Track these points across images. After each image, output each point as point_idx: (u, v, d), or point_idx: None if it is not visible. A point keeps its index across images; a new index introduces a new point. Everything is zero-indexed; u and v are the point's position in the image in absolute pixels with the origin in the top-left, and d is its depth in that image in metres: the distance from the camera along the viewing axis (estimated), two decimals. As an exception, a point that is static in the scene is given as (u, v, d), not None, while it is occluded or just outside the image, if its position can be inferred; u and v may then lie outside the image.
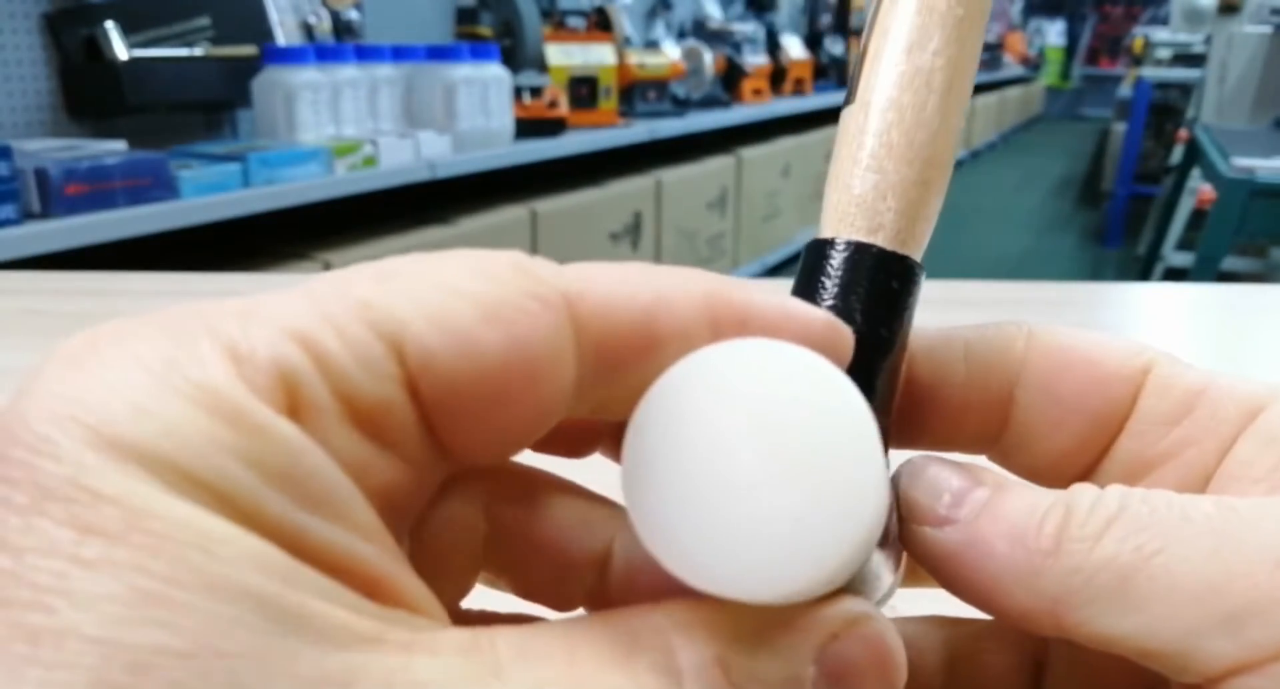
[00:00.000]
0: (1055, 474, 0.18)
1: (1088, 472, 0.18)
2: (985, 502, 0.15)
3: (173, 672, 0.09)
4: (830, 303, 0.16)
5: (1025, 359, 0.18)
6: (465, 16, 2.32)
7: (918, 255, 0.17)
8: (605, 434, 0.17)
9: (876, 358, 0.16)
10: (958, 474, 0.16)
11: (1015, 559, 0.15)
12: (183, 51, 1.59)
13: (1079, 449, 0.18)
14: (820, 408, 0.13)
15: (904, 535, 0.16)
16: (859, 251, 0.17)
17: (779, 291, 0.15)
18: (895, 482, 0.16)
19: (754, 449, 0.13)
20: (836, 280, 0.17)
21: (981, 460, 0.18)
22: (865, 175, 0.17)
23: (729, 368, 0.13)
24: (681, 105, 2.72)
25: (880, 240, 0.17)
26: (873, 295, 0.16)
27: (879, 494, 0.13)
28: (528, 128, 2.05)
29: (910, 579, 0.17)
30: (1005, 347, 0.18)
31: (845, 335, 0.15)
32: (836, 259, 0.17)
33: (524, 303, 0.13)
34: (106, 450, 0.10)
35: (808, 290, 0.17)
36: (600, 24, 2.49)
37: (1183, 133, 3.30)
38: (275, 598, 0.10)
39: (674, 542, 0.13)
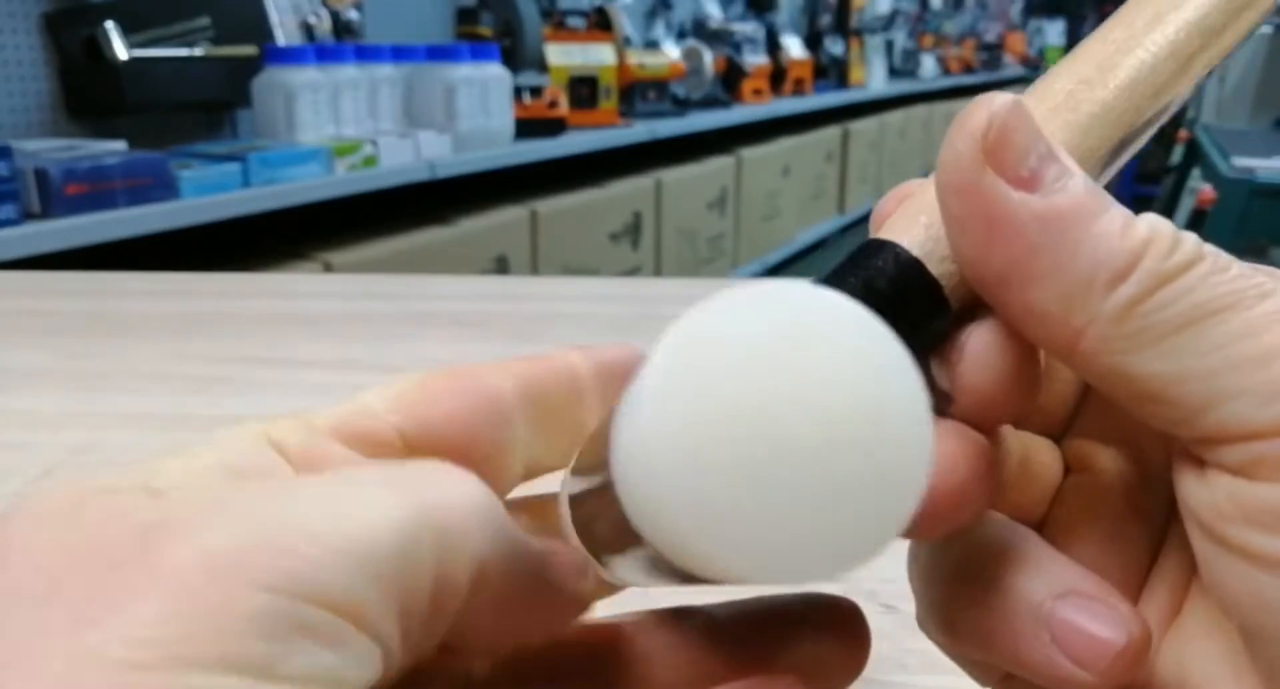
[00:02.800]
0: None
1: None
2: (1064, 187, 0.15)
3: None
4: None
5: None
6: (465, 16, 2.32)
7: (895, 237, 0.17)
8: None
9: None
10: (1037, 142, 0.15)
11: (1079, 264, 0.14)
12: (183, 51, 1.59)
13: None
14: (867, 364, 0.12)
15: (968, 184, 0.15)
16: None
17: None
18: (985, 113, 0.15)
19: (806, 412, 0.12)
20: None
21: None
22: None
23: (754, 326, 0.12)
24: (681, 105, 2.72)
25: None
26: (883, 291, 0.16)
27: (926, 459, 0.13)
28: (528, 128, 2.04)
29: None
30: None
31: None
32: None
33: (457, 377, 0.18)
34: None
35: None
36: (600, 24, 2.49)
37: (1183, 133, 3.30)
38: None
39: (728, 523, 0.12)
